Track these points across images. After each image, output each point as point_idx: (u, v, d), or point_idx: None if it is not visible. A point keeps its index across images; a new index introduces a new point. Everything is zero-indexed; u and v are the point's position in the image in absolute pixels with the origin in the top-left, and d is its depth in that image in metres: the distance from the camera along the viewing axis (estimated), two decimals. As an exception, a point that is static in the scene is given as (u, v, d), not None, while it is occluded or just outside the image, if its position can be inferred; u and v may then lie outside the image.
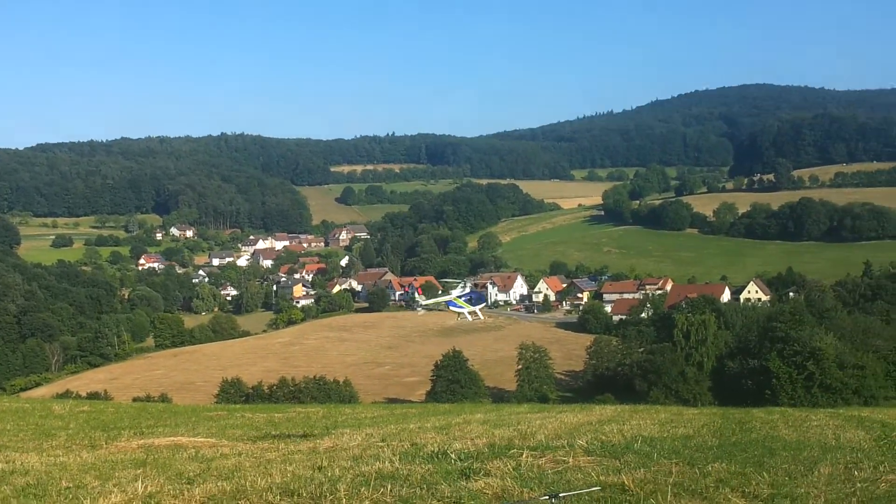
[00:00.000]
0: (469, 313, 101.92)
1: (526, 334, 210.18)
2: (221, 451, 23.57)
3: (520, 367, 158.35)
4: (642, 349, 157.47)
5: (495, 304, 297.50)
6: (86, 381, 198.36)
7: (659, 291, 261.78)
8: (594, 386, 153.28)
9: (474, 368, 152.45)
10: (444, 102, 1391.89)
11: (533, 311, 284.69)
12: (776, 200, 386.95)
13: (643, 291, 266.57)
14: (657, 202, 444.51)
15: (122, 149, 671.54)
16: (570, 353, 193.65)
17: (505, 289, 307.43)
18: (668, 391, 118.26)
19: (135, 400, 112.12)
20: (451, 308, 78.65)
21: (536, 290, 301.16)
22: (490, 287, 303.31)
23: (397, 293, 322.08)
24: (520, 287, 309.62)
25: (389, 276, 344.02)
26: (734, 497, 13.84)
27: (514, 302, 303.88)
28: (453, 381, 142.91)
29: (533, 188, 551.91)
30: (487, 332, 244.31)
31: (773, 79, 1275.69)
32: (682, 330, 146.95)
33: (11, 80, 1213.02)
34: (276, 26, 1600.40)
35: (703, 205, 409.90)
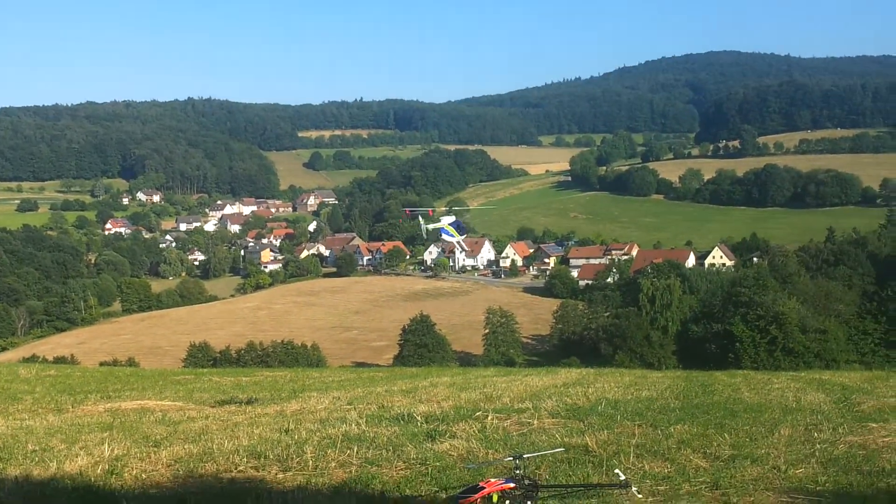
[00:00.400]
0: (457, 242, 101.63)
1: (493, 299, 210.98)
2: (188, 415, 23.65)
3: (487, 331, 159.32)
4: (608, 313, 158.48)
5: (463, 269, 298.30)
6: (52, 345, 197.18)
7: (625, 257, 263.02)
8: (560, 350, 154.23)
9: (442, 333, 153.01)
10: (411, 68, 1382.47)
11: (500, 276, 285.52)
12: (741, 167, 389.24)
13: (609, 257, 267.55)
14: (624, 168, 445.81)
15: (88, 113, 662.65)
16: (537, 317, 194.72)
17: (473, 254, 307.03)
18: (633, 355, 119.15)
19: (102, 364, 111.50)
20: (443, 235, 75.98)
21: (504, 255, 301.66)
22: (458, 252, 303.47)
23: (365, 258, 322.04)
24: (487, 252, 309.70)
25: (357, 242, 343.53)
26: (695, 458, 14.08)
27: (482, 267, 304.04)
28: (421, 346, 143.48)
29: (501, 154, 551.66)
30: (455, 297, 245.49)
31: (740, 46, 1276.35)
32: (648, 295, 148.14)
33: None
34: None
35: (669, 171, 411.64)
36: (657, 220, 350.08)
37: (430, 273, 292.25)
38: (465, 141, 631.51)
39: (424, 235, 68.85)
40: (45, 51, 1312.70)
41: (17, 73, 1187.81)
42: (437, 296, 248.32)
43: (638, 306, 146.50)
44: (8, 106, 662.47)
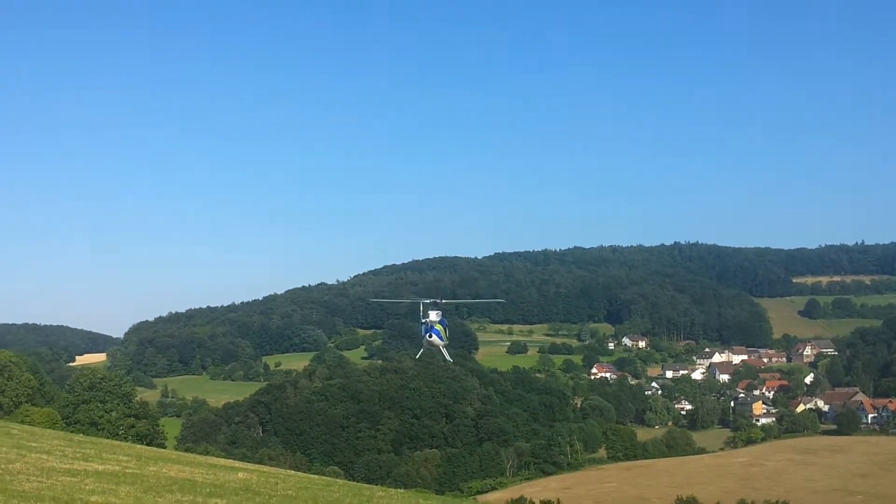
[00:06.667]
0: (443, 347, 70.30)
1: None
2: None
3: None
4: None
5: None
6: (539, 488, 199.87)
7: None
8: None
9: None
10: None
11: None
12: None
13: None
14: None
15: (575, 258, 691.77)
16: None
17: None
18: None
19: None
20: (433, 337, 55.13)
21: None
22: None
23: (869, 416, 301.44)
24: None
25: (860, 397, 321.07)
26: None
27: None
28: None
29: None
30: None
31: None
32: None
33: (470, 196, 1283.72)
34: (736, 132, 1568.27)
35: None
36: None
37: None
38: None
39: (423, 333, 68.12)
40: (535, 201, 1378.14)
41: (509, 224, 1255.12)
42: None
43: None
44: (501, 251, 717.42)
